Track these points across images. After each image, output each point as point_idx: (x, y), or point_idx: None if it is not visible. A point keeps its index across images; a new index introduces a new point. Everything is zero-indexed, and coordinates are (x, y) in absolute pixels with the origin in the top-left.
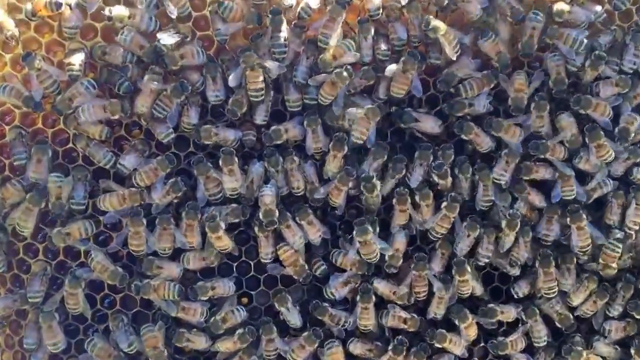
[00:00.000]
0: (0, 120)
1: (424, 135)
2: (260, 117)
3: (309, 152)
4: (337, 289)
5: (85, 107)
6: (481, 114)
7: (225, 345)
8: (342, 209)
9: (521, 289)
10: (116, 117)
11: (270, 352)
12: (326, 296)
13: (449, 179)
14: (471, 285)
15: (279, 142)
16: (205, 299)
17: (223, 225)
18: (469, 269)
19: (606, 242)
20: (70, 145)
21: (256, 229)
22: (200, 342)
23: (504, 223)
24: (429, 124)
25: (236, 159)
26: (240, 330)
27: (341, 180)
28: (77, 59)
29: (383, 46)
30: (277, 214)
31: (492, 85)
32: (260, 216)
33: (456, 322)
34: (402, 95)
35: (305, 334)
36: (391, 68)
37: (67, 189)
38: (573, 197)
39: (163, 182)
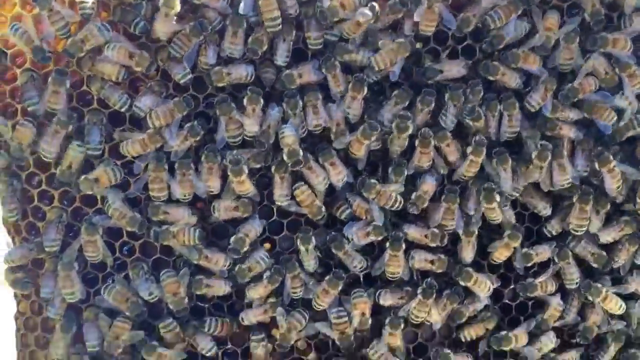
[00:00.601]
0: (11, 62)
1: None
2: (281, 58)
3: (335, 97)
4: (358, 236)
5: (113, 46)
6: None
7: (257, 292)
8: (364, 163)
9: (554, 228)
10: (139, 69)
11: (297, 288)
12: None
13: (482, 119)
14: (499, 213)
15: (292, 87)
16: (244, 250)
17: (246, 169)
18: (497, 197)
19: None
20: (85, 87)
21: (272, 169)
22: (220, 287)
23: (534, 154)
24: (455, 69)
25: (261, 100)
26: (267, 273)
27: (364, 133)
28: None
29: None
30: (301, 153)
31: (519, 11)
32: (285, 157)
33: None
34: (430, 32)
35: (327, 277)
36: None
37: (80, 161)
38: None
39: (179, 125)
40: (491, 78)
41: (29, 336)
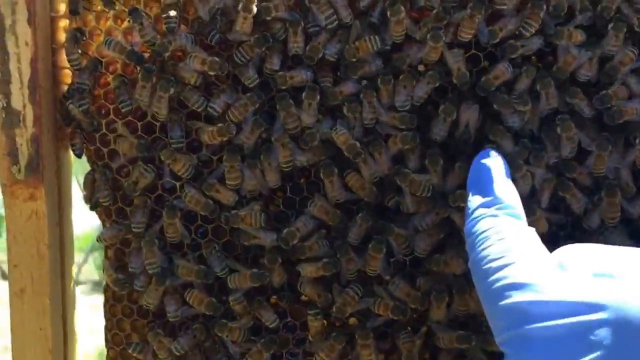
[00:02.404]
0: (105, 70)
1: None
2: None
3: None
4: None
5: (192, 56)
6: None
7: (310, 271)
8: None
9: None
10: (212, 73)
11: (351, 271)
12: None
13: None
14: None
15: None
16: (293, 242)
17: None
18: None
19: None
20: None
21: (321, 174)
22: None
23: None
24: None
25: (318, 95)
26: (325, 260)
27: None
28: (172, 12)
29: None
30: (358, 145)
31: None
32: (345, 152)
33: None
34: (467, 39)
35: (370, 244)
36: (460, 13)
37: (147, 182)
38: None
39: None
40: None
41: (117, 306)
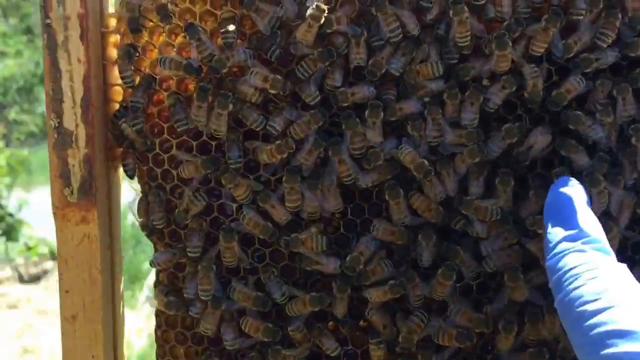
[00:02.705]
0: (158, 87)
1: None
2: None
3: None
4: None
5: (255, 71)
6: None
7: (377, 296)
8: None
9: None
10: (273, 92)
11: (418, 298)
12: None
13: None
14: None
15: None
16: (359, 269)
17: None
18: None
19: None
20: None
21: (386, 196)
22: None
23: None
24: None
25: (382, 113)
26: (392, 282)
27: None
28: (231, 27)
29: (523, 4)
30: (426, 163)
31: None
32: (414, 172)
33: None
34: (540, 53)
35: (440, 270)
36: (534, 26)
37: (199, 209)
38: None
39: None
40: None
41: (169, 333)
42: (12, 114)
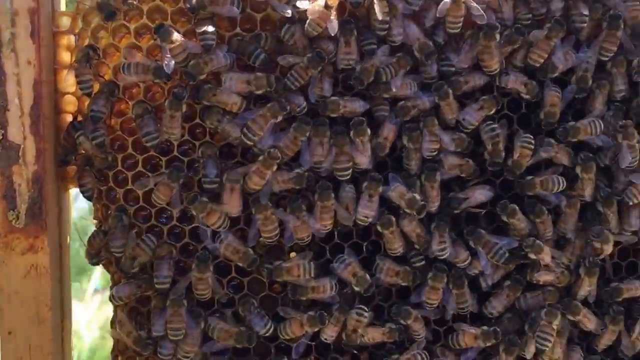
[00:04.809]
0: (123, 95)
1: None
2: (395, 86)
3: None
4: None
5: (230, 76)
6: None
7: (373, 334)
8: None
9: None
10: (261, 92)
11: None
12: None
13: None
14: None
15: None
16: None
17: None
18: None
19: None
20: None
21: (379, 227)
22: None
23: None
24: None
25: (368, 131)
26: (391, 325)
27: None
28: (210, 27)
29: (524, 10)
30: (419, 200)
31: None
32: (406, 209)
33: None
34: (539, 64)
35: (430, 274)
36: (536, 33)
37: (147, 258)
38: None
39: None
40: None
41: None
42: None
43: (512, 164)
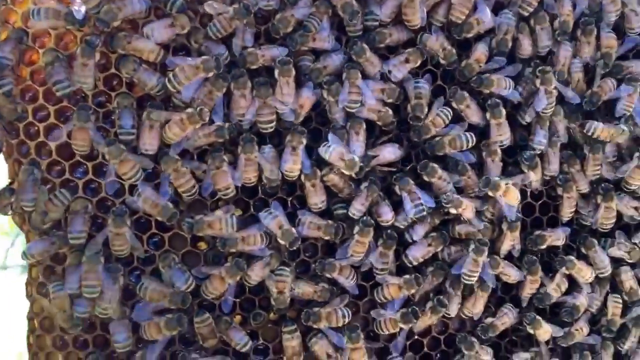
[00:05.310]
0: (32, 43)
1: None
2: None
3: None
4: None
5: (154, 27)
6: None
7: (304, 289)
8: None
9: None
10: (186, 30)
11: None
12: None
13: None
14: None
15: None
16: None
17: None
18: None
19: None
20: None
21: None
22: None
23: None
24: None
25: (294, 72)
26: (324, 284)
27: None
28: None
29: None
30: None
31: None
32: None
33: None
34: (461, 21)
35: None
36: None
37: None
38: None
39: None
40: None
41: (45, 338)
42: None
43: (422, 125)
